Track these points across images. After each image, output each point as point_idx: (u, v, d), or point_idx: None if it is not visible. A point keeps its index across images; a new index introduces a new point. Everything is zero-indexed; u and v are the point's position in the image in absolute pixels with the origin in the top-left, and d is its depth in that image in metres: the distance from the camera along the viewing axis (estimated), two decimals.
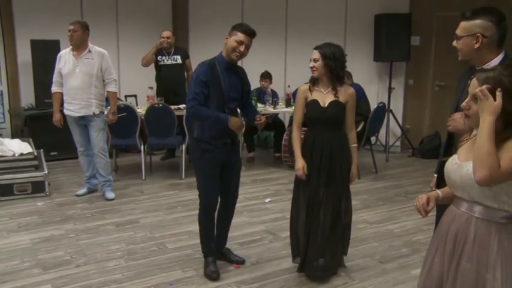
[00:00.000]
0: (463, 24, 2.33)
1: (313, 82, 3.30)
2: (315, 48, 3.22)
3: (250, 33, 3.17)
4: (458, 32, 2.35)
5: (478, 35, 2.28)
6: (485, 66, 2.26)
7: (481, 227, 1.85)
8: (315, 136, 3.29)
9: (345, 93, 3.24)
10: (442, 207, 2.14)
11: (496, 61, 2.30)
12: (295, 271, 3.44)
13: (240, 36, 3.14)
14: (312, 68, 3.22)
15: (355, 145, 3.36)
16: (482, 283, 1.83)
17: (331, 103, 3.22)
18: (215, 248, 3.52)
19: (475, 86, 1.78)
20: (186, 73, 6.50)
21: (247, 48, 3.19)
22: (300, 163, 3.24)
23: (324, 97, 3.24)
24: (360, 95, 6.01)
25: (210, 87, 3.18)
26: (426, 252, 2.15)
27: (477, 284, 1.84)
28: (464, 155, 1.92)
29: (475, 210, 1.87)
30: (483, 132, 1.73)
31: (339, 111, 3.24)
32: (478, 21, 2.28)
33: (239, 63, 3.38)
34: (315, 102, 3.25)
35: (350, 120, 3.30)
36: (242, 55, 3.19)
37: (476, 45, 2.29)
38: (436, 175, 2.61)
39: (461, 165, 1.89)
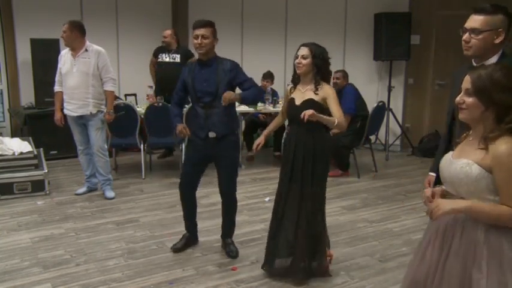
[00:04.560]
0: (484, 18, 2.25)
1: (295, 82, 3.32)
2: (304, 46, 3.20)
3: (198, 25, 3.46)
4: (477, 25, 2.26)
5: (500, 29, 2.25)
6: (486, 63, 2.23)
7: (468, 222, 1.89)
8: (291, 134, 3.34)
9: (322, 91, 3.19)
10: None
11: (495, 57, 2.29)
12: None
13: (194, 32, 3.47)
14: (298, 64, 3.18)
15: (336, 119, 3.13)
16: (469, 278, 1.86)
17: (304, 101, 3.21)
18: (194, 231, 3.90)
19: (467, 82, 1.88)
20: None
21: (204, 37, 3.44)
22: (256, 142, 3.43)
23: (302, 95, 3.24)
24: (356, 95, 6.00)
25: (188, 86, 3.59)
26: (419, 242, 2.19)
27: (463, 279, 1.87)
28: (457, 152, 1.98)
29: None
30: (473, 214, 1.85)
31: (312, 109, 3.11)
32: (500, 16, 2.25)
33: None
34: (292, 100, 3.29)
35: (334, 110, 3.16)
36: (202, 46, 3.45)
37: (497, 40, 2.25)
38: (430, 173, 2.58)
39: (452, 162, 1.95)
